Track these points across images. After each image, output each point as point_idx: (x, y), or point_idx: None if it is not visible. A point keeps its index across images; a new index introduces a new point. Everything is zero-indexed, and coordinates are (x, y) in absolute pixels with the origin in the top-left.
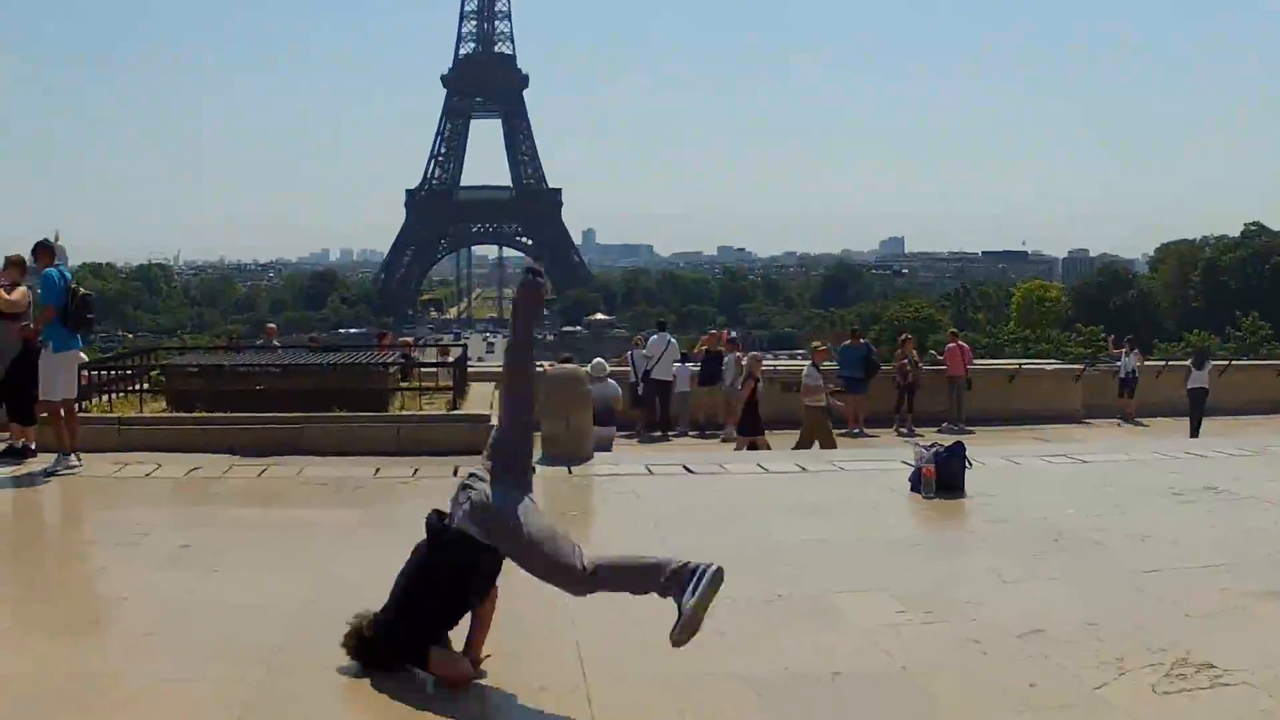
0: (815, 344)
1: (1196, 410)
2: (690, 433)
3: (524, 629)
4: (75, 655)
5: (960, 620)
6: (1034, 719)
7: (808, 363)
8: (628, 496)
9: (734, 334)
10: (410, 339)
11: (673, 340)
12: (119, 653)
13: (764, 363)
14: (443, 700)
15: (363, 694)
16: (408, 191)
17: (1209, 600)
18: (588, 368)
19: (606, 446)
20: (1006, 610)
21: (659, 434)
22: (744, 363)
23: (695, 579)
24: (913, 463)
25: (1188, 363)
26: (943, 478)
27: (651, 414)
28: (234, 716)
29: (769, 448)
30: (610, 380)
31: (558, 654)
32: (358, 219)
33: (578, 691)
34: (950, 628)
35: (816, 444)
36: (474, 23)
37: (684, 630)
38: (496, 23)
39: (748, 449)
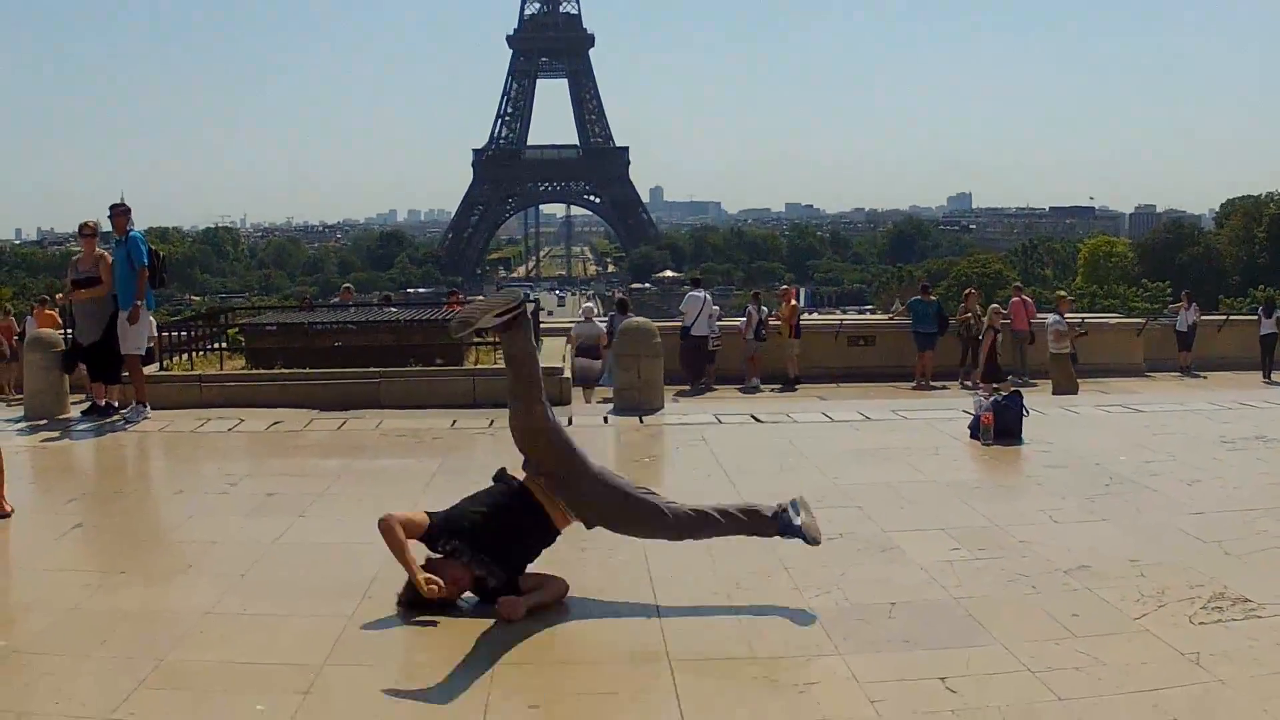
0: (1060, 293)
1: (1267, 354)
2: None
3: (605, 565)
4: (176, 595)
5: (1012, 557)
6: (1076, 645)
7: (1053, 314)
8: (697, 444)
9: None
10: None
11: (707, 296)
12: (217, 592)
13: (836, 316)
14: (527, 630)
15: (453, 625)
16: (475, 151)
17: (1250, 541)
18: (579, 309)
19: (593, 375)
20: (1056, 548)
21: (701, 388)
22: (984, 315)
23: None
24: (972, 411)
25: (1258, 314)
26: (1001, 425)
27: (694, 369)
28: (328, 646)
29: None
30: (595, 321)
31: (633, 590)
32: (425, 179)
33: (651, 622)
34: (1002, 564)
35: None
36: None
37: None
38: None
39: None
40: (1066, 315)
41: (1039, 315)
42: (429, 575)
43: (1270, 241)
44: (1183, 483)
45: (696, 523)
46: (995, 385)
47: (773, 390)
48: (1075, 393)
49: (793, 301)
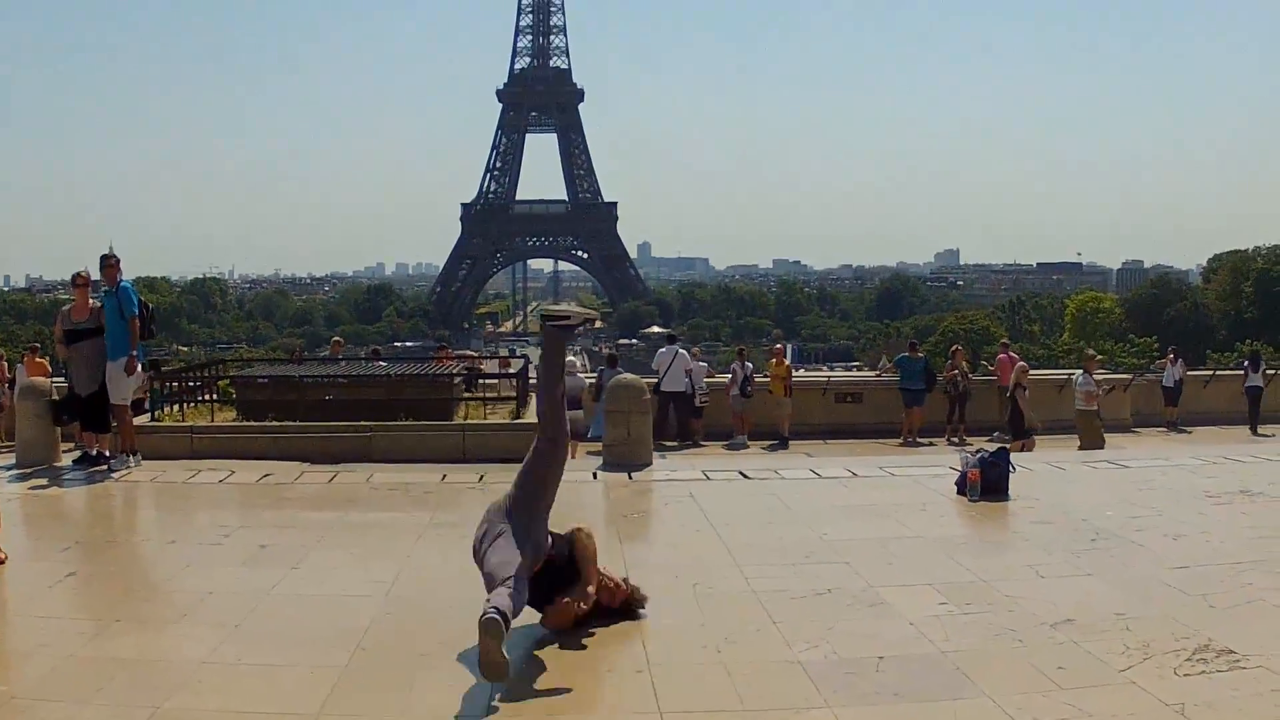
0: (1090, 353)
1: (1254, 406)
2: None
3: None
4: (172, 644)
5: (999, 611)
6: (1062, 697)
7: (1080, 371)
8: (685, 500)
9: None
10: (474, 352)
11: (681, 351)
12: (213, 641)
13: (824, 373)
14: (518, 681)
15: (444, 674)
16: (463, 205)
17: (1234, 594)
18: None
19: (579, 428)
20: (1042, 603)
21: (673, 444)
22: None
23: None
24: (959, 468)
25: (1244, 367)
26: (987, 481)
27: (662, 424)
28: (322, 696)
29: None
30: (577, 374)
31: (623, 643)
32: (413, 232)
33: (641, 674)
34: (989, 618)
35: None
36: (529, 37)
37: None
38: (551, 37)
39: (1020, 450)
40: (1095, 375)
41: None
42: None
43: (1257, 296)
44: (1168, 537)
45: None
46: (1023, 442)
47: (762, 448)
48: (1101, 448)
49: (785, 360)
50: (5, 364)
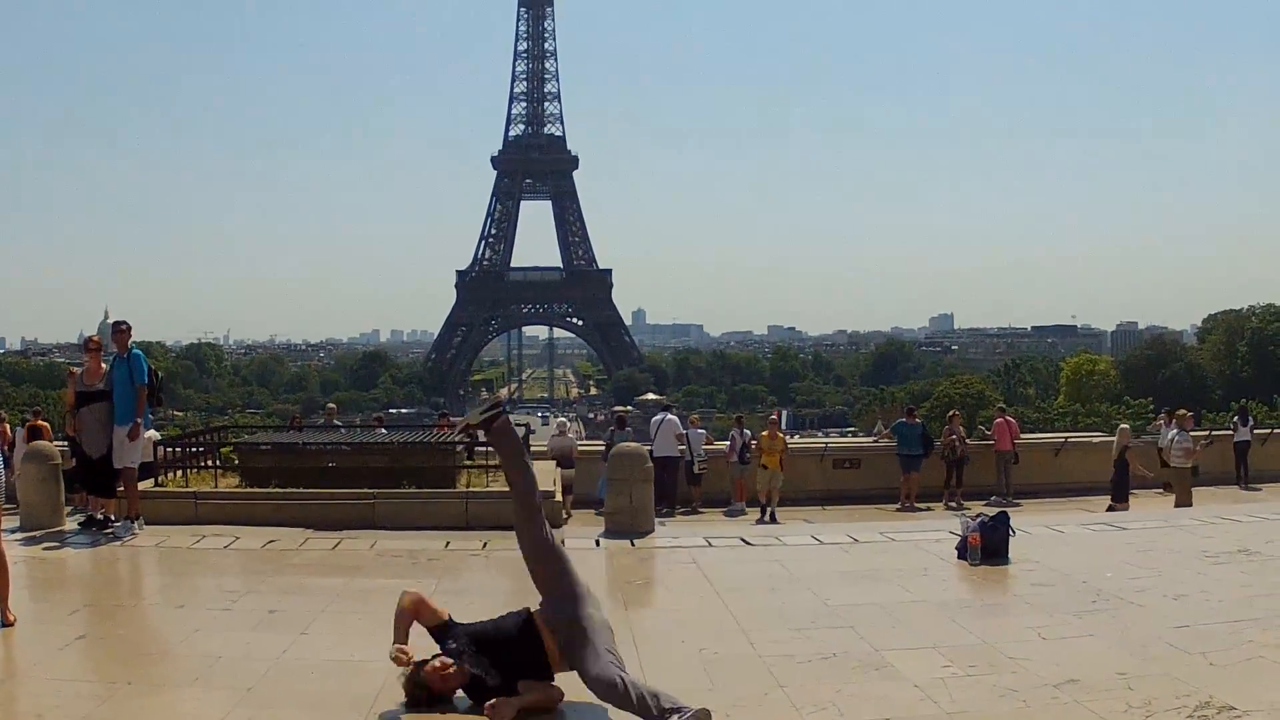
0: (1181, 411)
1: (1241, 459)
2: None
3: None
4: (186, 707)
5: (1002, 673)
6: None
7: (1174, 430)
8: (689, 567)
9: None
10: None
11: (670, 417)
12: (226, 705)
13: (821, 440)
14: None
15: None
16: (458, 272)
17: (1234, 651)
18: (554, 425)
19: (566, 485)
20: (1045, 664)
21: (666, 510)
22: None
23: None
24: (959, 532)
25: (1234, 422)
26: (988, 545)
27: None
28: None
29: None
30: (568, 435)
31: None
32: (408, 299)
33: None
34: (993, 680)
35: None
36: (523, 104)
37: None
38: (546, 104)
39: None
40: (1192, 431)
41: (1023, 435)
42: (400, 646)
43: (1252, 355)
44: (1167, 597)
45: (624, 696)
46: (1123, 504)
47: (758, 518)
48: (1190, 505)
49: (779, 433)
50: (7, 427)
